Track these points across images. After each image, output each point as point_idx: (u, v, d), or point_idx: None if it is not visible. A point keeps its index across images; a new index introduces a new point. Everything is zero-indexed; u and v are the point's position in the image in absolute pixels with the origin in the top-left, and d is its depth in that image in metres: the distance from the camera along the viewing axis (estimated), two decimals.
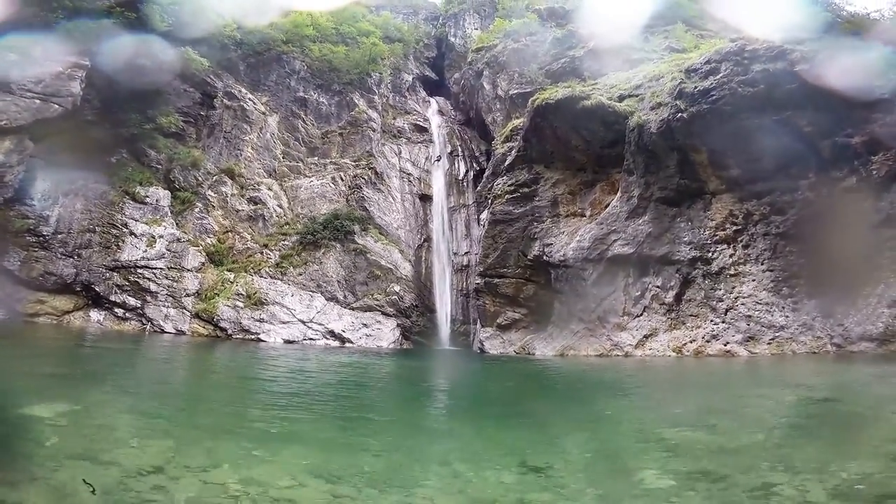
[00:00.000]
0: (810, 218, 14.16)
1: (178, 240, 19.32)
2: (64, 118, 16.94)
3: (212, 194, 21.64)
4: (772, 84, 14.38)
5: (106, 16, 18.99)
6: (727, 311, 14.84)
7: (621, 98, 18.17)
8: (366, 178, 24.49)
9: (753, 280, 14.71)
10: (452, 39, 31.66)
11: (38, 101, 16.39)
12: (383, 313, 21.82)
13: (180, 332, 17.80)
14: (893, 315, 12.12)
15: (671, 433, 6.14)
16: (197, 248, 19.85)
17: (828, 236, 13.75)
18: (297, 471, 4.82)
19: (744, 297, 14.65)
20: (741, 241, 15.23)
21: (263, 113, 24.49)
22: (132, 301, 17.72)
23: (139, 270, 18.04)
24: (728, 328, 14.61)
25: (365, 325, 21.09)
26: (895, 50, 13.81)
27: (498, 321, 20.02)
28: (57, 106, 16.70)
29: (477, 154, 27.41)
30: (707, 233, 15.78)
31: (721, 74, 15.11)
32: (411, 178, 25.91)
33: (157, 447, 5.21)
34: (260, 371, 12.36)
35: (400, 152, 26.17)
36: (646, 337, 15.90)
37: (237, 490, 4.31)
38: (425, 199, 25.86)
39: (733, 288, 14.96)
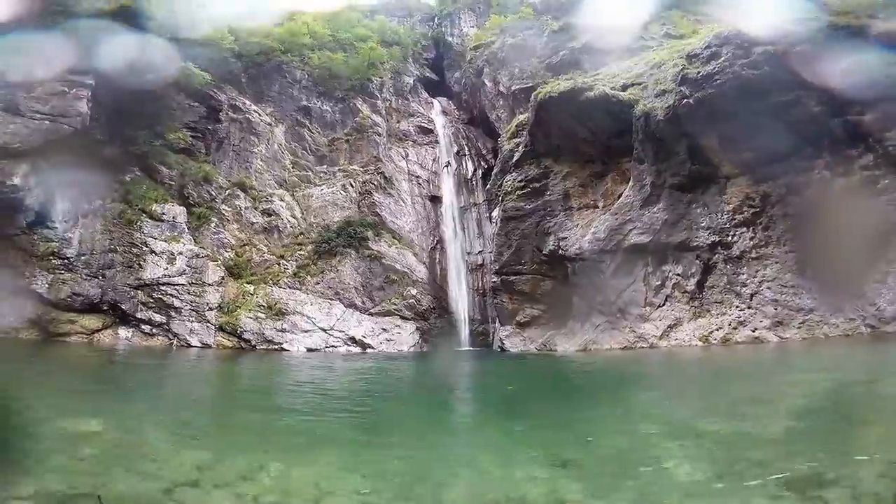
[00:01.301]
0: (830, 197, 13.85)
1: (197, 255, 19.65)
2: (75, 138, 17.05)
3: (226, 208, 21.97)
4: (776, 65, 14.11)
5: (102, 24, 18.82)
6: (752, 295, 14.54)
7: (624, 87, 17.97)
8: (375, 183, 24.62)
9: (777, 262, 14.39)
10: (450, 39, 31.68)
11: (47, 123, 16.64)
12: (402, 317, 21.90)
13: (206, 346, 18.08)
14: None
15: (702, 424, 6.04)
16: (216, 263, 20.16)
17: (850, 214, 13.42)
18: (327, 477, 4.85)
19: (769, 281, 14.34)
20: (760, 223, 14.94)
21: (269, 124, 24.78)
22: (158, 317, 18.07)
23: (162, 287, 18.39)
24: (755, 313, 14.31)
25: (384, 329, 21.20)
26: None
27: (517, 319, 19.92)
28: (66, 126, 16.89)
29: (484, 152, 27.37)
30: (725, 217, 15.51)
31: (723, 58, 14.90)
32: (420, 181, 25.96)
33: (191, 459, 5.28)
34: (285, 380, 12.49)
35: (407, 155, 26.25)
36: (670, 327, 15.67)
37: (271, 500, 4.34)
38: (435, 200, 25.90)
39: (757, 272, 14.65)
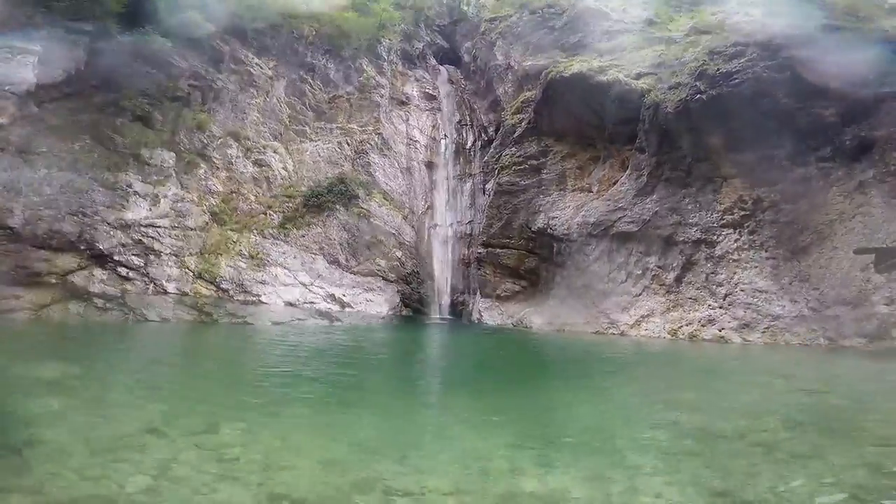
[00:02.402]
0: (821, 208, 13.98)
1: (182, 199, 19.29)
2: (68, 83, 17.02)
3: (217, 156, 21.40)
4: (799, 71, 13.90)
5: None
6: (726, 296, 14.87)
7: (638, 76, 17.65)
8: (372, 143, 24.18)
9: (756, 267, 14.65)
10: (465, 8, 30.57)
11: (40, 67, 16.52)
12: (384, 279, 22.03)
13: (183, 294, 17.98)
14: (890, 313, 12.09)
15: (664, 414, 6.29)
16: (201, 209, 19.85)
17: (836, 229, 13.60)
18: (293, 436, 4.97)
19: (744, 284, 14.64)
20: (748, 226, 15.10)
21: (271, 77, 23.88)
22: (136, 261, 17.84)
23: (143, 229, 18.11)
24: (725, 314, 14.68)
25: (365, 289, 21.34)
26: None
27: (497, 292, 20.23)
28: (60, 70, 16.85)
29: (485, 124, 26.87)
30: (714, 216, 15.64)
31: (747, 58, 14.62)
32: (418, 146, 25.55)
33: (155, 410, 5.37)
34: (258, 339, 12.59)
35: (407, 119, 25.70)
36: (642, 317, 16.04)
37: (236, 453, 4.45)
38: (431, 166, 25.61)
39: (734, 273, 14.93)
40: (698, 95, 15.15)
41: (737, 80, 14.61)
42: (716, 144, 15.50)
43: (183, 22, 20.13)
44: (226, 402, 6.07)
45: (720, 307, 14.83)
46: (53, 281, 15.94)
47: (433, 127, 26.21)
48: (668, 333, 15.16)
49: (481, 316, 20.01)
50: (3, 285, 14.07)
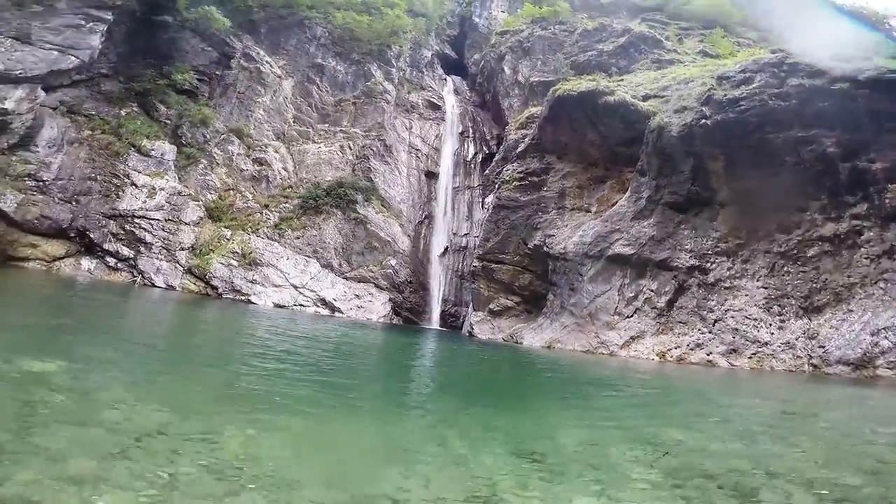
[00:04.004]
0: (814, 240, 14.17)
1: (179, 193, 19.14)
2: (79, 70, 17.39)
3: (218, 152, 21.39)
4: (804, 100, 14.07)
5: None
6: (715, 321, 14.95)
7: (645, 97, 17.86)
8: (374, 149, 24.23)
9: (747, 295, 14.77)
10: (477, 20, 31.06)
11: (55, 53, 16.65)
12: (376, 286, 21.93)
13: (170, 287, 17.78)
14: (874, 343, 12.16)
15: (658, 432, 6.29)
16: (197, 203, 19.71)
17: (827, 260, 13.78)
18: (297, 444, 4.87)
19: (734, 311, 14.73)
20: (741, 255, 15.24)
21: (279, 76, 24.04)
22: (125, 251, 17.63)
23: (136, 220, 17.90)
24: (713, 339, 14.74)
25: (357, 295, 21.22)
26: None
27: (490, 306, 20.18)
28: (73, 58, 16.95)
29: (488, 137, 27.10)
30: (710, 243, 15.76)
31: (754, 85, 14.78)
32: (419, 154, 25.64)
33: (155, 411, 5.21)
34: (254, 335, 12.43)
35: (411, 127, 25.83)
36: (632, 338, 16.05)
37: (239, 461, 4.33)
38: (431, 176, 25.68)
39: (725, 300, 15.03)
40: (703, 120, 15.23)
41: (743, 107, 14.70)
42: (717, 170, 15.61)
43: (200, 15, 20.36)
44: (227, 402, 5.96)
45: (709, 332, 14.89)
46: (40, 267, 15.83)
47: (436, 137, 26.36)
48: (657, 356, 15.20)
49: (472, 329, 19.93)
50: None
